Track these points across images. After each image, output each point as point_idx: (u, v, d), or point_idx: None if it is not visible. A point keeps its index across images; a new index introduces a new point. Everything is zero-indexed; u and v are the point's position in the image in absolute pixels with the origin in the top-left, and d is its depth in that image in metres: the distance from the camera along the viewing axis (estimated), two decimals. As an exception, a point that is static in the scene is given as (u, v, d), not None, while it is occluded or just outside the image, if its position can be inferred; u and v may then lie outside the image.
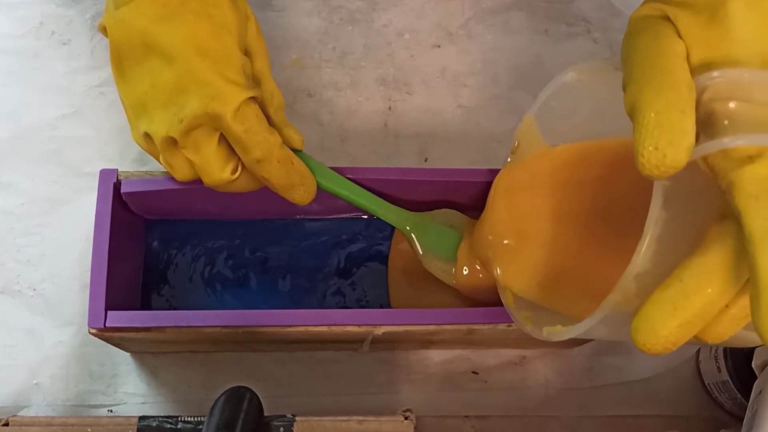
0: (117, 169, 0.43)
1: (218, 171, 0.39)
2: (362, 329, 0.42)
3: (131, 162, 0.51)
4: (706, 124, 0.28)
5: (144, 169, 0.46)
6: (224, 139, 0.39)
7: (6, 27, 0.53)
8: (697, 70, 0.29)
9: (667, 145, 0.27)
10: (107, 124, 0.52)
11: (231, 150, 0.39)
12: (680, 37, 0.29)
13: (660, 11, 0.30)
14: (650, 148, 0.27)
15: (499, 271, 0.42)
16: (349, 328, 0.41)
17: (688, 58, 0.29)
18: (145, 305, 0.48)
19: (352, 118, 0.54)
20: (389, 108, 0.54)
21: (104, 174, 0.43)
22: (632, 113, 0.29)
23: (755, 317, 0.26)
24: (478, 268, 0.45)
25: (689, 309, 0.27)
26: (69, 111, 0.52)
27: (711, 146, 0.27)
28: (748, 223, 0.26)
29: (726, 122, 0.28)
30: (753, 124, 0.27)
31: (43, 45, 0.53)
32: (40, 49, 0.53)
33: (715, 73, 0.28)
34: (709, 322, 0.28)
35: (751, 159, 0.27)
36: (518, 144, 0.43)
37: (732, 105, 0.28)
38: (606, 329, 0.33)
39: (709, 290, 0.27)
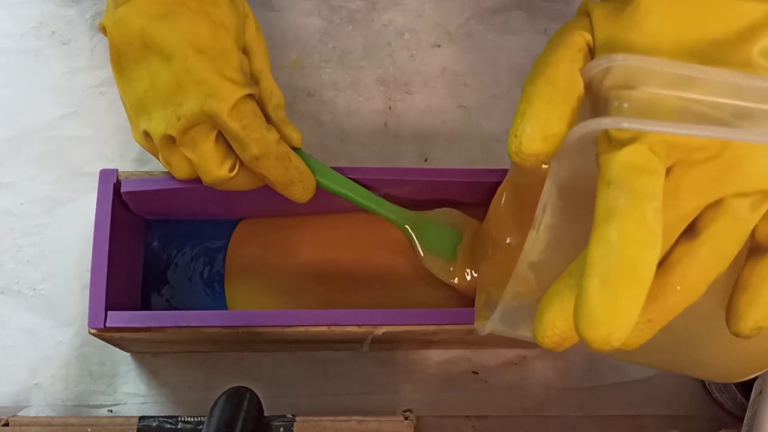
0: (117, 169, 0.43)
1: (216, 169, 0.39)
2: (362, 329, 0.42)
3: (131, 162, 0.51)
4: (604, 111, 0.28)
5: (144, 169, 0.46)
6: (222, 137, 0.39)
7: (6, 27, 0.53)
8: (599, 54, 0.29)
9: (523, 133, 0.28)
10: (107, 124, 0.52)
11: (229, 148, 0.40)
12: (591, 29, 0.30)
13: (585, 7, 0.31)
14: (512, 135, 0.28)
15: (484, 270, 0.42)
16: (349, 328, 0.41)
17: (594, 48, 0.29)
18: (145, 305, 0.48)
19: (352, 118, 0.54)
20: (389, 108, 0.54)
21: (104, 174, 0.43)
22: None
23: (575, 305, 0.25)
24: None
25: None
26: (69, 111, 0.52)
27: (578, 130, 0.27)
28: (594, 208, 0.26)
29: (616, 106, 0.27)
30: (639, 111, 0.27)
31: (43, 45, 0.53)
32: (40, 48, 0.53)
33: (619, 57, 0.27)
34: None
35: (621, 144, 0.26)
36: None
37: (626, 92, 0.27)
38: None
39: None
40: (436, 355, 0.50)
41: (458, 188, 0.46)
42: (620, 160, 0.26)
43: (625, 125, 0.26)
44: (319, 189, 0.43)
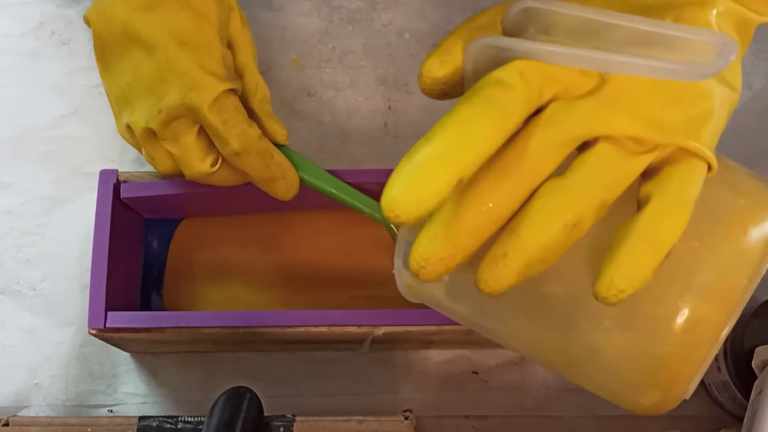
0: (117, 170, 0.43)
1: (197, 163, 0.39)
2: (362, 329, 0.42)
3: (131, 162, 0.51)
4: None
5: (144, 169, 0.46)
6: (204, 131, 0.39)
7: (6, 27, 0.53)
8: None
9: (426, 58, 0.30)
10: (107, 124, 0.52)
11: (211, 142, 0.39)
12: None
13: None
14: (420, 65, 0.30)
15: None
16: (349, 329, 0.41)
17: None
18: (145, 305, 0.48)
19: (352, 118, 0.54)
20: (389, 108, 0.54)
21: (104, 174, 0.43)
22: None
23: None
24: None
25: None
26: (69, 111, 0.52)
27: (467, 53, 0.29)
28: None
29: (527, 34, 0.29)
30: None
31: (43, 45, 0.53)
32: (40, 48, 0.53)
33: (529, 2, 0.29)
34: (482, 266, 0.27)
35: None
36: None
37: (538, 35, 0.29)
38: None
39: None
40: (436, 355, 0.50)
41: (458, 188, 0.46)
42: (487, 76, 0.27)
43: (487, 41, 0.28)
44: (304, 186, 0.42)
